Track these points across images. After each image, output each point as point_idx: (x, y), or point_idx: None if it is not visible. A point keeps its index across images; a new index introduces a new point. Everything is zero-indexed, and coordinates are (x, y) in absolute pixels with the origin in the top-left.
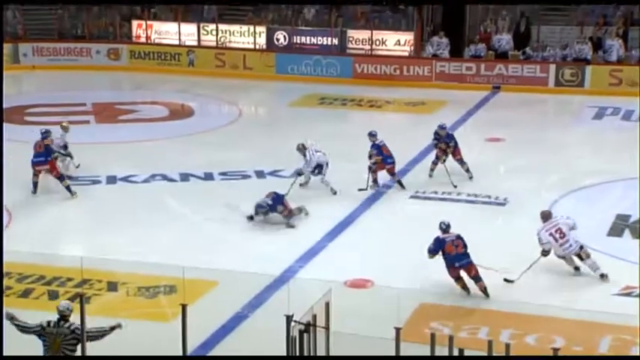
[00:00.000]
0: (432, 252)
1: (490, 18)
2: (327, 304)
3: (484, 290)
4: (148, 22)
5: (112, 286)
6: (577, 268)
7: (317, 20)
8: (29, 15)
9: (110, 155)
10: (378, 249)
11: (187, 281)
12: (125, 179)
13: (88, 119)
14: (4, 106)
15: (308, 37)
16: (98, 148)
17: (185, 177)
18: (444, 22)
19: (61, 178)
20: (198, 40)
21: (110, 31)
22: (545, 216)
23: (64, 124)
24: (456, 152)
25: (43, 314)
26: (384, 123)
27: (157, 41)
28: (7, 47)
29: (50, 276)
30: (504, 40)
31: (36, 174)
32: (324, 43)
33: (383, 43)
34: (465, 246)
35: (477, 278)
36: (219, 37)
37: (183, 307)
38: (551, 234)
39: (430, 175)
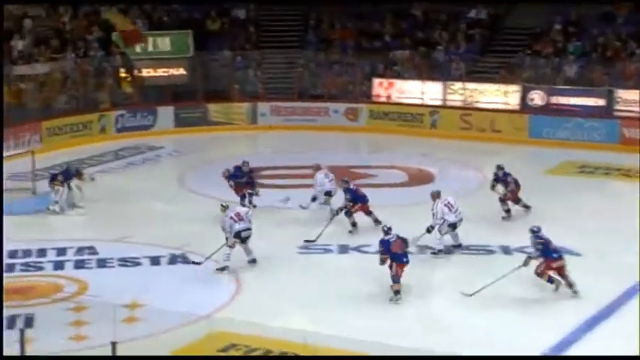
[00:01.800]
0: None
1: None
2: None
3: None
4: (390, 81)
5: None
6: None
7: (579, 78)
8: (269, 73)
9: (344, 223)
10: None
11: None
12: (357, 249)
13: None
14: None
15: (568, 97)
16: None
17: (422, 249)
18: None
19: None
20: (443, 99)
21: (349, 89)
22: (434, 195)
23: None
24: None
25: None
26: None
27: (398, 100)
28: (246, 107)
29: (277, 350)
30: None
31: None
32: (587, 103)
33: None
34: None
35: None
36: (466, 96)
37: None
38: (445, 205)
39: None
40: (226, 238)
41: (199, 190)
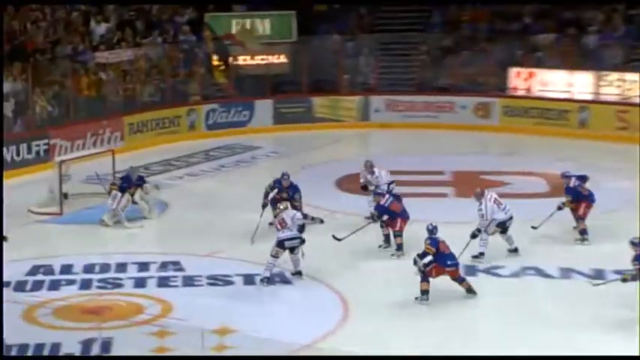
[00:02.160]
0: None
1: None
2: None
3: (469, 289)
4: (530, 70)
5: None
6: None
7: None
8: (385, 62)
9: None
10: None
11: None
12: (488, 270)
13: (446, 192)
14: None
15: None
16: (456, 228)
17: (566, 273)
18: None
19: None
20: (595, 93)
21: (480, 81)
22: (479, 194)
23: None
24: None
25: None
26: None
27: (539, 94)
28: (356, 101)
29: None
30: None
31: None
32: None
33: None
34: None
35: (460, 278)
36: (623, 89)
37: None
38: (494, 202)
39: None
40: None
41: (303, 197)
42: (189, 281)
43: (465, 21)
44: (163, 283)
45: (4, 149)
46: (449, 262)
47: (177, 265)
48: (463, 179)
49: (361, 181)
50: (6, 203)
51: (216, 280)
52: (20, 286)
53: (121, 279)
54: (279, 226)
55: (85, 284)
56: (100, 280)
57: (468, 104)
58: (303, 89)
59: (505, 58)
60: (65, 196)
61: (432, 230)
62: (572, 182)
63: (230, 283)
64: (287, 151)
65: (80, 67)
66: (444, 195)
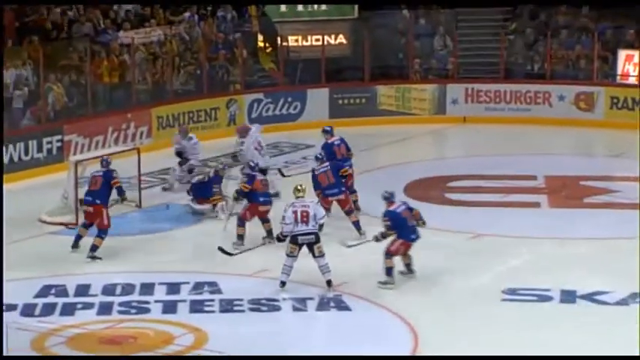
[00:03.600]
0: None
1: None
2: None
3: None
4: None
5: None
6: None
7: None
8: (465, 43)
9: (568, 257)
10: None
11: None
12: (589, 297)
13: (538, 200)
14: None
15: None
16: (552, 243)
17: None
18: None
19: None
20: None
21: (582, 66)
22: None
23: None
24: None
25: None
26: None
27: None
28: (430, 90)
29: None
30: None
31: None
32: None
33: None
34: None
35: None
36: None
37: None
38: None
39: None
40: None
41: (363, 208)
42: (228, 306)
43: None
44: (197, 307)
45: (11, 146)
46: (413, 237)
47: (213, 287)
48: (559, 186)
49: (175, 147)
50: (11, 211)
51: (259, 305)
52: (29, 310)
53: (147, 303)
54: (293, 217)
55: (105, 309)
56: (122, 304)
57: (567, 94)
58: (365, 76)
59: (613, 38)
60: (81, 202)
61: (388, 197)
62: None
63: (277, 308)
64: None
65: (101, 48)
66: (535, 204)
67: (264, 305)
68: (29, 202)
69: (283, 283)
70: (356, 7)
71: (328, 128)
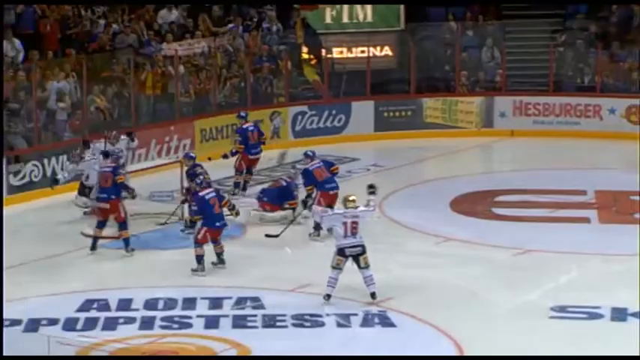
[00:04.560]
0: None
1: None
2: None
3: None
4: None
5: None
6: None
7: None
8: (513, 55)
9: (619, 274)
10: None
11: None
12: None
13: (588, 216)
14: None
15: None
16: (602, 260)
17: None
18: None
19: None
20: None
21: (633, 78)
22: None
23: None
24: None
25: None
26: None
27: None
28: (477, 103)
29: None
30: None
31: None
32: None
33: None
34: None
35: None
36: None
37: None
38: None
39: None
40: None
41: (407, 221)
42: (271, 321)
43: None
44: (240, 323)
45: (53, 159)
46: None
47: (256, 302)
48: (610, 201)
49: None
50: (53, 224)
51: (302, 321)
52: (70, 325)
53: (189, 317)
54: (347, 231)
55: (147, 323)
56: (164, 319)
57: (618, 107)
58: (410, 89)
59: None
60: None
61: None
62: None
63: (320, 324)
64: (390, 164)
65: (144, 60)
66: (585, 220)
67: (307, 321)
68: (71, 215)
69: (328, 296)
70: (402, 18)
71: (243, 114)
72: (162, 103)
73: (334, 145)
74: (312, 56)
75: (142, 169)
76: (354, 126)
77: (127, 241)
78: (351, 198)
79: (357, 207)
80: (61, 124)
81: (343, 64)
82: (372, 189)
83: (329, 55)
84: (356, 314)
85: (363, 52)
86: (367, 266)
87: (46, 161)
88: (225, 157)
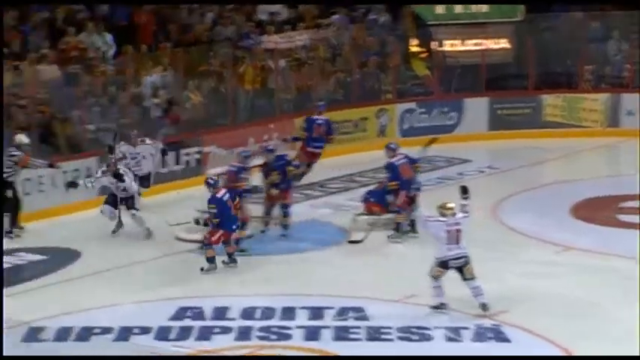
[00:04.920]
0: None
1: None
2: None
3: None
4: None
5: None
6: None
7: None
8: None
9: None
10: None
11: None
12: None
13: None
14: None
15: None
16: None
17: None
18: None
19: None
20: None
21: None
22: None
23: None
24: None
25: None
26: None
27: None
28: (603, 100)
29: None
30: None
31: None
32: None
33: None
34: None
35: None
36: None
37: None
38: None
39: None
40: None
41: (523, 228)
42: (375, 334)
43: None
44: (342, 335)
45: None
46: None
47: (359, 313)
48: None
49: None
50: (150, 226)
51: (409, 334)
52: (164, 334)
53: (288, 328)
54: (452, 240)
55: (244, 333)
56: (262, 329)
57: None
58: (529, 84)
59: None
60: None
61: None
62: None
63: (428, 338)
64: (506, 166)
65: (243, 53)
66: None
67: (414, 334)
68: (166, 217)
69: (441, 304)
70: (522, 8)
71: (321, 106)
72: (261, 99)
73: (444, 145)
74: (422, 49)
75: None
76: (467, 125)
77: (237, 242)
78: (449, 205)
79: (454, 214)
80: (155, 121)
81: (455, 58)
82: (466, 194)
83: (440, 48)
84: (467, 328)
85: (477, 44)
86: (473, 277)
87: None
88: (285, 141)
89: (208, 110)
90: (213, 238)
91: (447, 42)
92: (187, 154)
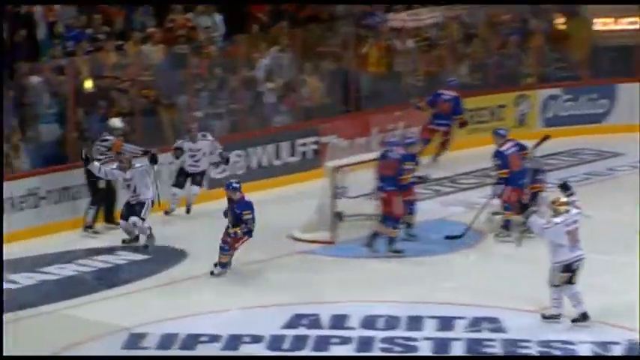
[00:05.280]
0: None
1: None
2: None
3: None
4: None
5: None
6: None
7: None
8: None
9: None
10: None
11: None
12: None
13: None
14: None
15: None
16: None
17: None
18: None
19: None
20: None
21: None
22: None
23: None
24: None
25: None
26: None
27: None
28: None
29: None
30: None
31: None
32: None
33: None
34: None
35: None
36: None
37: None
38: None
39: None
40: None
41: None
42: (513, 347)
43: None
44: (474, 348)
45: (259, 148)
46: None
47: (494, 324)
48: None
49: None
50: (258, 225)
51: (550, 349)
52: (276, 343)
53: (414, 340)
54: (573, 242)
55: (364, 344)
56: (384, 340)
57: None
58: None
59: None
60: (339, 216)
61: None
62: None
63: (572, 353)
64: None
65: (367, 33)
66: None
67: (556, 348)
68: (279, 215)
69: (558, 315)
70: None
71: (452, 82)
72: (386, 84)
73: (593, 137)
74: (568, 28)
75: (362, 162)
76: (620, 114)
77: (391, 241)
78: (562, 200)
79: (568, 210)
80: (269, 107)
81: (607, 38)
82: (569, 190)
83: (590, 27)
84: (617, 343)
85: (633, 23)
86: (575, 282)
87: (251, 150)
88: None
89: (327, 96)
90: (237, 245)
91: (598, 20)
92: (304, 145)
